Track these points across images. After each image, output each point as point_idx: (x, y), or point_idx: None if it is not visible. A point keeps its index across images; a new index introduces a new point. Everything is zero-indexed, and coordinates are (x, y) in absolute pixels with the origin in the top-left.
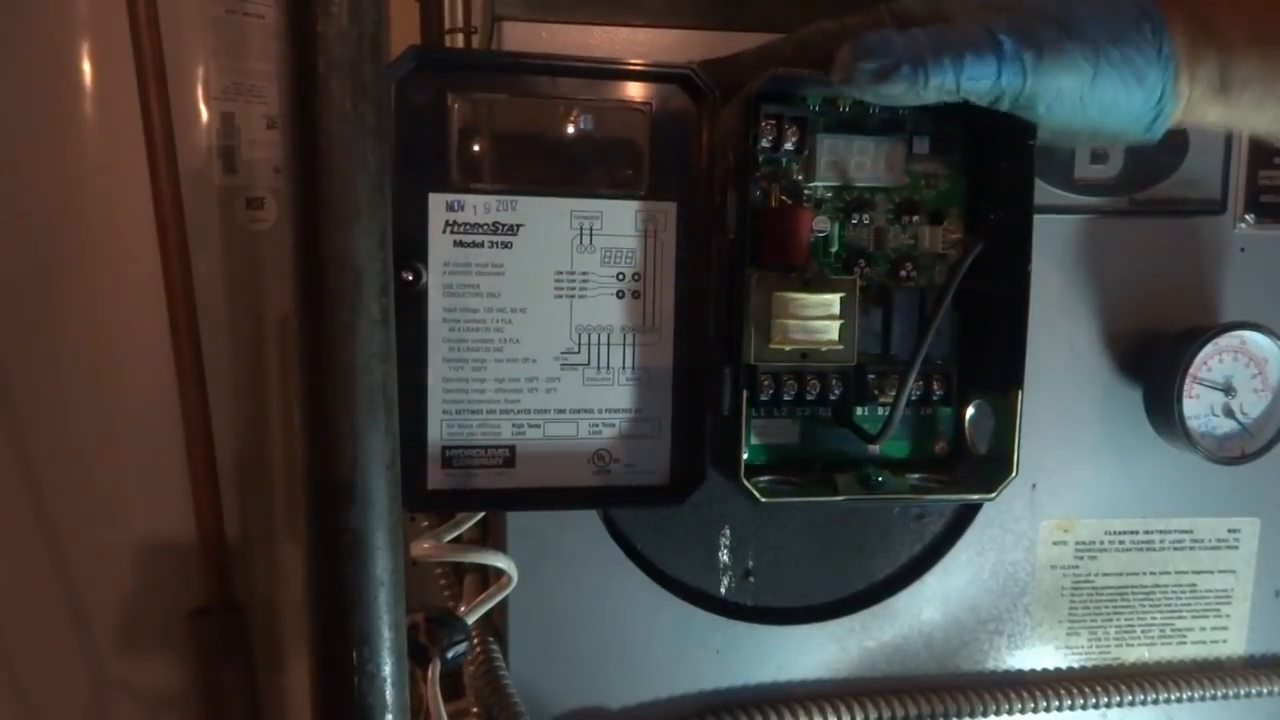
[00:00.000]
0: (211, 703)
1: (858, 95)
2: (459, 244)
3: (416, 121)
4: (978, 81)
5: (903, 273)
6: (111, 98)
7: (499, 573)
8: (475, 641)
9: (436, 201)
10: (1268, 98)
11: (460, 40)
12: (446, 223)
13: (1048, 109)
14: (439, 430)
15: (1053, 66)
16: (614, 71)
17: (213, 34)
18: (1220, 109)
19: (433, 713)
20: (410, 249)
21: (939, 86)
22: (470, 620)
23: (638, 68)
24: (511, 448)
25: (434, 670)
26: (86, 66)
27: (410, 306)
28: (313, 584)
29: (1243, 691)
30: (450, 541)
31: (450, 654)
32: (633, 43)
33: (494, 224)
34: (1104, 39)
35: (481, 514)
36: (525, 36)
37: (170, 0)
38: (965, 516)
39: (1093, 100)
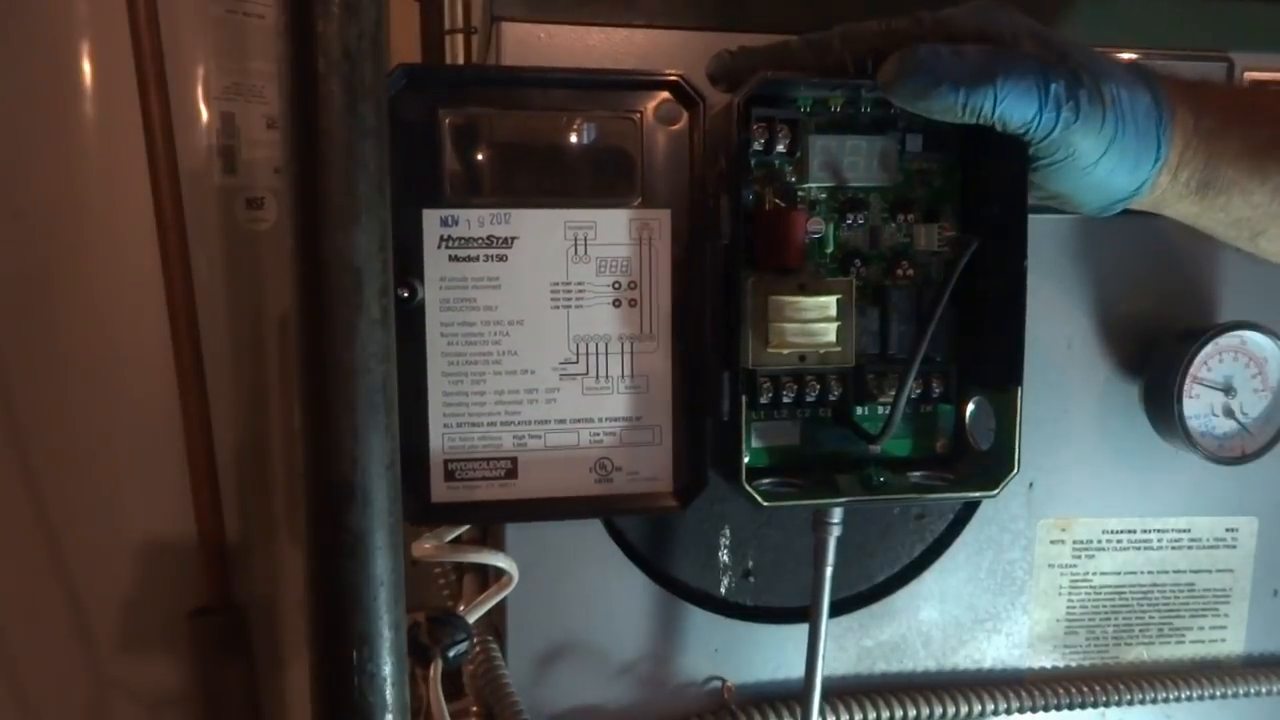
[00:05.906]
0: (211, 703)
1: (898, 104)
2: (454, 259)
3: (408, 138)
4: (1014, 117)
5: (899, 272)
6: (111, 98)
7: (499, 572)
8: (475, 641)
9: (430, 217)
10: (1234, 202)
11: (460, 40)
12: (441, 238)
13: (1061, 162)
14: (440, 444)
15: (1083, 127)
16: (603, 81)
17: (213, 34)
18: (1188, 205)
19: (435, 712)
20: (406, 265)
21: (975, 110)
22: (471, 619)
23: (627, 76)
24: (513, 459)
25: (435, 669)
26: (86, 66)
27: (407, 322)
28: (313, 584)
29: (1241, 691)
30: (451, 542)
31: (452, 653)
32: (631, 44)
33: (488, 237)
34: (1128, 118)
35: None
36: (524, 37)
37: (170, 0)
38: (963, 515)
39: (1094, 170)
